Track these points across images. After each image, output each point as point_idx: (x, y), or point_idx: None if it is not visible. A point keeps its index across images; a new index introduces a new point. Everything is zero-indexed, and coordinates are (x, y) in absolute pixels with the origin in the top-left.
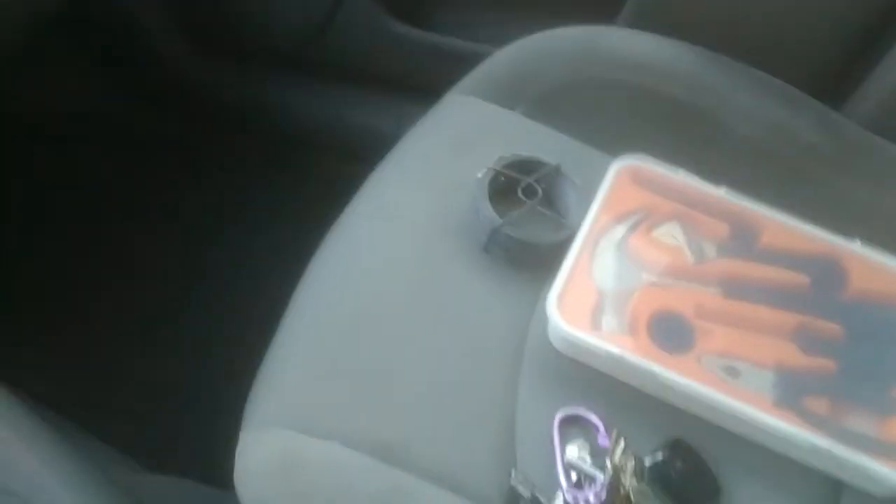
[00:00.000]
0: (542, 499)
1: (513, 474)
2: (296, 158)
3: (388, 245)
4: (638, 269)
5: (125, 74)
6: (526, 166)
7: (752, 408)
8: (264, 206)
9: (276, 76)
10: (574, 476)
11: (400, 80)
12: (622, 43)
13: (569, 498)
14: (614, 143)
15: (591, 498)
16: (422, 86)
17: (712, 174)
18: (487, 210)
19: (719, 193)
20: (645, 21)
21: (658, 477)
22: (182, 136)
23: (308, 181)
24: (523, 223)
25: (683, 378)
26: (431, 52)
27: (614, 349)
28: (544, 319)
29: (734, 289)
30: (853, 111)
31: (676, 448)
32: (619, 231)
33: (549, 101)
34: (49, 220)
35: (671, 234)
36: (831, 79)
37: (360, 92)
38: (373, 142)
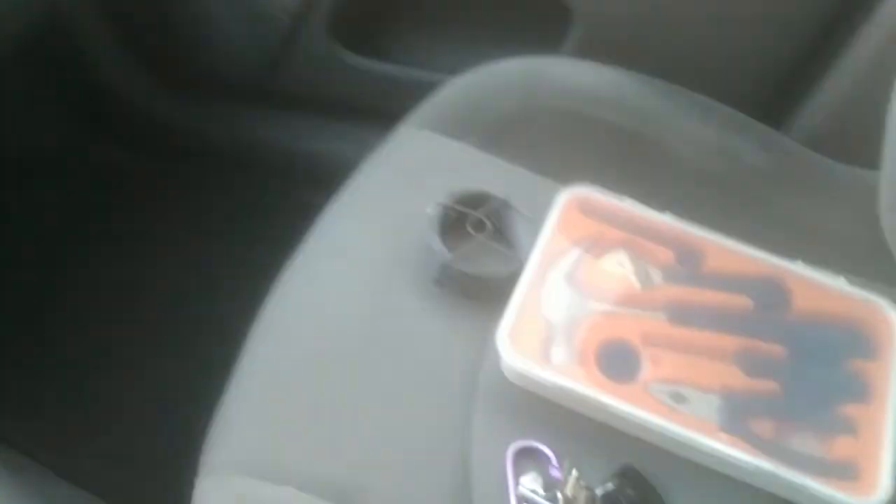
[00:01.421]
0: None
1: None
2: (255, 186)
3: (341, 283)
4: (586, 298)
5: (82, 108)
6: (475, 200)
7: (699, 434)
8: (222, 236)
9: (233, 106)
10: None
11: (357, 110)
12: (567, 73)
13: None
14: (562, 172)
15: None
16: (379, 114)
17: (659, 200)
18: (437, 245)
19: (664, 219)
20: (588, 49)
21: None
22: (141, 167)
23: (268, 209)
24: (474, 257)
25: (631, 407)
26: (387, 82)
27: (563, 381)
28: (497, 353)
29: (680, 314)
30: (796, 130)
31: (627, 476)
32: (567, 261)
33: (499, 132)
34: (16, 257)
35: (618, 261)
36: (773, 99)
37: (319, 120)
38: (333, 168)
